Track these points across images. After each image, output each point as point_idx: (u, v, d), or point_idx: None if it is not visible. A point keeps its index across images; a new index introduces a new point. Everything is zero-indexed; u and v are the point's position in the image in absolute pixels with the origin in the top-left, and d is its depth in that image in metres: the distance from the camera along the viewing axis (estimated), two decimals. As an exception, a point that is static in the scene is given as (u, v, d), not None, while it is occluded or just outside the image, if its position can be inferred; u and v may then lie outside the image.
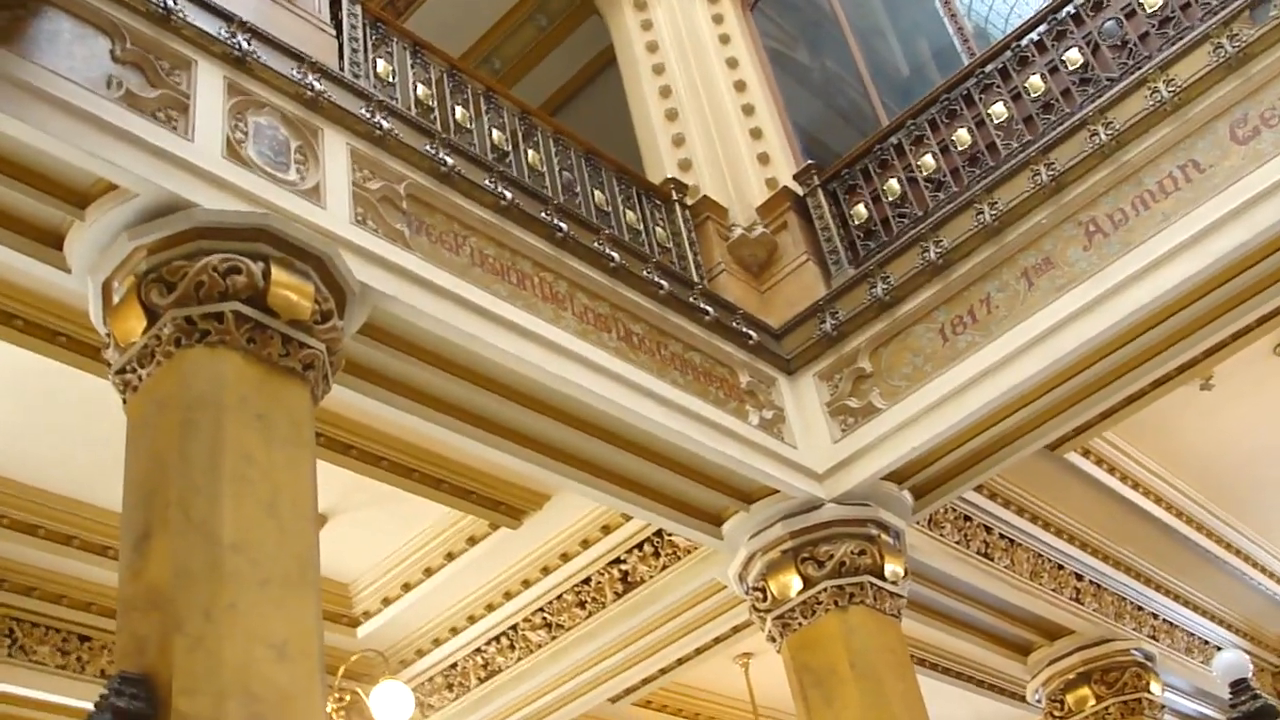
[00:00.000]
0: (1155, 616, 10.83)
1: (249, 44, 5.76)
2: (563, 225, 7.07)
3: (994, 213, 7.67)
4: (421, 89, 6.99)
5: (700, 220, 8.76)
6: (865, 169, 8.75)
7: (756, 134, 9.52)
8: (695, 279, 8.10)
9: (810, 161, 9.06)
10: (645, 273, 7.54)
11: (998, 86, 8.26)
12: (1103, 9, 7.95)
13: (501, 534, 8.36)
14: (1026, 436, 7.99)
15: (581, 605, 8.83)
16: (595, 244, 7.28)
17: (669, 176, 8.92)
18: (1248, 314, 7.59)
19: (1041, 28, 8.21)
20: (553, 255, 6.95)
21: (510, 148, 7.41)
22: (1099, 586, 10.07)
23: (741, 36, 10.20)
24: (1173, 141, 7.15)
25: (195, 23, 5.58)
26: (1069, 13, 8.12)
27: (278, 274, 5.04)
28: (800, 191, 8.94)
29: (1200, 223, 6.88)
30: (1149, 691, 10.39)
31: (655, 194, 8.59)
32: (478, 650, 9.28)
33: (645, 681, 9.78)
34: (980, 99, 8.30)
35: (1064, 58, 7.99)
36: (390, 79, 6.84)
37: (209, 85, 5.50)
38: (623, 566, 8.65)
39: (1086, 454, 9.16)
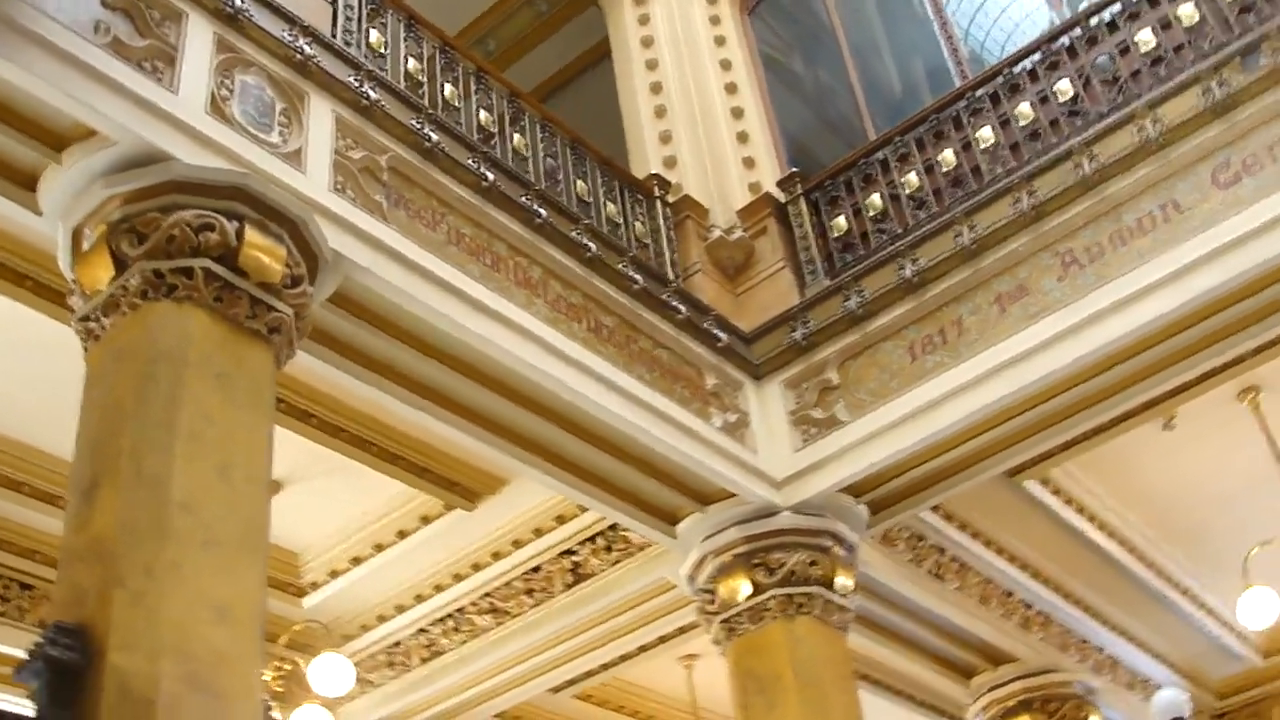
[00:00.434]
0: (1100, 650, 10.87)
1: (242, 1, 5.71)
2: (542, 211, 7.05)
3: (973, 236, 7.68)
4: (413, 63, 6.96)
5: (680, 219, 8.75)
6: (849, 181, 8.75)
7: (743, 138, 9.52)
8: (670, 276, 8.10)
9: (795, 169, 9.07)
10: (621, 266, 7.53)
11: (987, 111, 8.27)
12: (1097, 44, 7.97)
13: (455, 515, 8.33)
14: (986, 461, 8.01)
15: (530, 593, 8.81)
16: (573, 233, 7.26)
17: (653, 172, 8.90)
18: (1213, 358, 7.62)
19: (1035, 56, 8.23)
20: (529, 240, 6.93)
21: (496, 130, 7.38)
22: (1047, 616, 10.10)
23: (737, 39, 10.20)
24: (1155, 180, 7.17)
25: (189, -25, 5.54)
26: (1064, 44, 8.14)
27: (251, 235, 5.00)
28: (782, 198, 8.94)
29: (1175, 263, 6.90)
30: (1088, 723, 10.45)
31: (637, 188, 8.58)
32: (422, 630, 9.23)
33: (588, 675, 9.78)
34: (969, 122, 8.32)
35: (1055, 88, 8.00)
36: (382, 50, 6.80)
37: (198, 39, 5.45)
38: (574, 558, 8.63)
39: (1045, 483, 9.18)
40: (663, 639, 9.42)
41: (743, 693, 7.44)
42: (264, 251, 5.02)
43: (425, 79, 7.00)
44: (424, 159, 6.43)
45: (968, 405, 7.41)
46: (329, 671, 8.17)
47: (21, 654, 4.02)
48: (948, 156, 8.31)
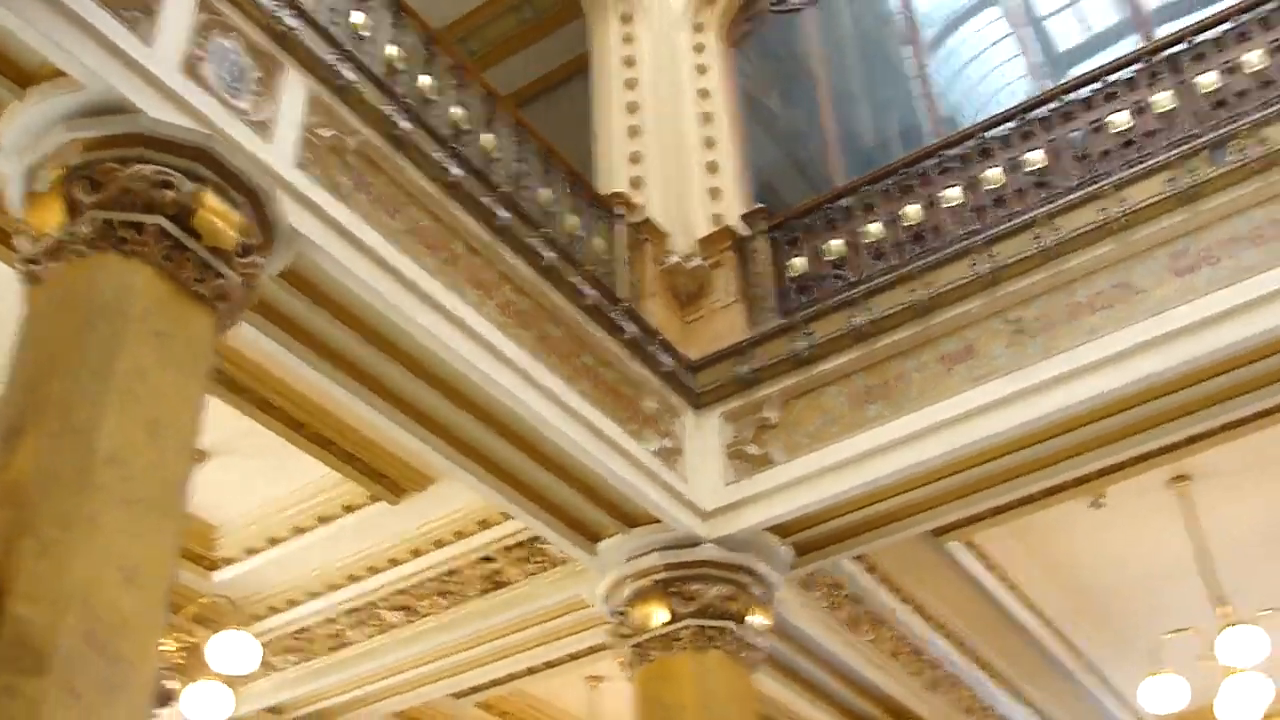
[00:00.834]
0: (1003, 718, 10.92)
1: (229, -37, 5.65)
2: (504, 214, 7.01)
3: (927, 293, 7.71)
4: (393, 50, 6.90)
5: (639, 240, 8.73)
6: (811, 224, 8.76)
7: (713, 168, 9.52)
8: (622, 296, 8.07)
9: (760, 205, 9.08)
10: (575, 279, 7.50)
11: (956, 171, 8.32)
12: (1072, 119, 8.04)
13: (378, 507, 8.26)
14: (915, 517, 8.03)
15: (444, 595, 8.75)
16: (532, 240, 7.22)
17: (618, 191, 8.89)
18: (1147, 443, 7.69)
19: (1010, 124, 8.29)
20: (488, 242, 6.89)
21: (468, 128, 7.33)
22: (954, 678, 10.15)
23: (718, 70, 10.22)
24: (1113, 260, 7.23)
25: (179, -71, 5.46)
26: (1039, 116, 8.21)
27: (209, 198, 4.93)
28: (744, 233, 8.94)
29: (1123, 344, 6.96)
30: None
31: (600, 204, 8.56)
32: (331, 620, 9.14)
33: (492, 684, 9.72)
34: (937, 179, 8.36)
35: (1025, 157, 8.06)
36: (364, 33, 6.74)
37: (180, -5, 5.38)
38: (492, 565, 8.58)
39: (969, 546, 9.24)
40: (571, 656, 9.39)
41: (646, 719, 7.41)
42: (220, 216, 4.95)
43: (404, 68, 6.95)
44: (393, 147, 6.38)
45: (902, 459, 7.43)
46: (232, 649, 8.06)
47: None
48: (912, 211, 8.34)
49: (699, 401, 8.24)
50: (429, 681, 9.36)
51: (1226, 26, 7.79)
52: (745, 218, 9.05)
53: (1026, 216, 7.67)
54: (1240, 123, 7.20)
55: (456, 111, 7.27)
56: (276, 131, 5.60)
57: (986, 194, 8.10)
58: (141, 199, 4.78)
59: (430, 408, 6.66)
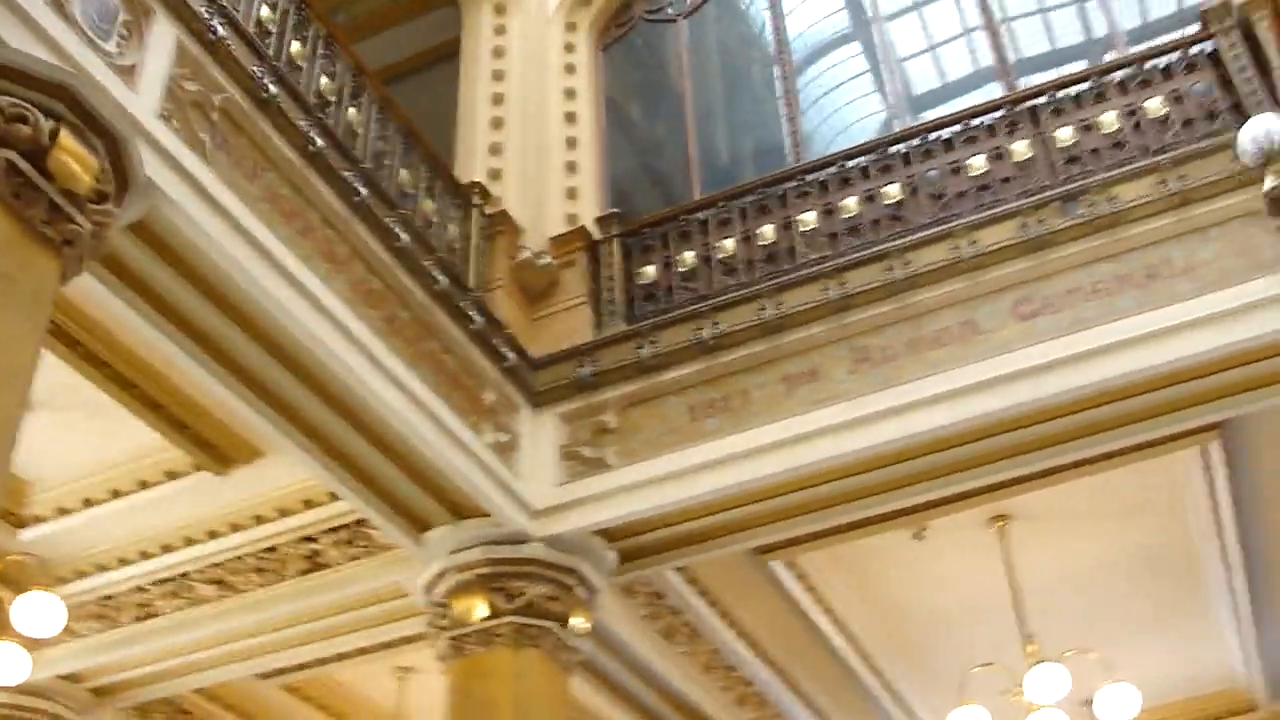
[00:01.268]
0: (806, 740, 11.08)
1: (105, -98, 5.45)
2: (362, 190, 6.89)
3: (776, 313, 7.80)
4: (266, 11, 6.72)
5: (493, 232, 8.67)
6: (665, 234, 8.80)
7: (572, 168, 9.52)
8: (472, 286, 8.00)
9: (615, 210, 9.08)
10: (427, 263, 7.40)
11: (814, 196, 8.43)
12: (931, 158, 8.21)
13: (202, 477, 8.00)
14: (741, 534, 8.10)
15: (260, 572, 8.52)
16: (388, 219, 7.11)
17: (476, 180, 8.82)
18: (971, 480, 7.88)
19: (870, 156, 8.44)
20: (344, 217, 6.76)
21: (334, 100, 7.20)
22: (763, 697, 10.25)
23: (587, 72, 10.22)
24: (960, 298, 7.40)
25: None
26: (900, 151, 8.37)
27: (66, 139, 4.73)
28: (597, 236, 8.94)
29: (962, 380, 7.13)
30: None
31: (458, 192, 8.48)
32: (141, 589, 8.82)
33: (300, 667, 9.53)
34: (795, 202, 8.47)
35: (883, 190, 8.21)
36: (238, -11, 6.57)
37: (51, -71, 5.17)
38: (313, 545, 8.39)
39: (791, 567, 9.33)
40: (384, 645, 9.26)
41: (457, 714, 7.33)
42: (76, 159, 4.76)
43: (275, 31, 6.78)
44: (258, 109, 6.21)
45: (735, 475, 7.50)
46: (36, 610, 7.77)
47: None
48: (767, 231, 8.44)
49: (538, 399, 8.20)
50: (236, 660, 9.12)
51: (1086, 86, 8.04)
52: (600, 221, 9.05)
53: (880, 248, 7.82)
54: (1092, 179, 7.43)
55: (324, 82, 7.13)
56: (141, 79, 5.41)
57: (842, 222, 8.24)
58: (-6, 132, 4.57)
59: (269, 379, 6.50)
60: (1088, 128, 7.86)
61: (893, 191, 8.18)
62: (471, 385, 7.63)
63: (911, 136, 8.42)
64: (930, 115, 9.10)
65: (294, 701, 10.44)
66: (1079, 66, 8.77)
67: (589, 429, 8.01)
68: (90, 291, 5.70)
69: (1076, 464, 8.28)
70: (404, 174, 7.76)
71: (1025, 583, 9.23)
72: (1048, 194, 7.50)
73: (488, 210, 8.67)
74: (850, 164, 8.51)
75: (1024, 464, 7.78)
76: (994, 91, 9.10)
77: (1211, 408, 7.39)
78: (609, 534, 7.85)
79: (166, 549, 8.57)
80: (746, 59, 11.71)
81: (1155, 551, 9.62)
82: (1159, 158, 7.38)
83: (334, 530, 8.29)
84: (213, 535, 8.44)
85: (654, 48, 11.27)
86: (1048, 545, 9.38)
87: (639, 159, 11.46)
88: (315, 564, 8.43)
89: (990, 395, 7.08)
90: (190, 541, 8.52)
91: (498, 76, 9.78)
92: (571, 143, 9.65)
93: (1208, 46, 7.84)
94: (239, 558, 8.51)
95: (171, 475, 8.08)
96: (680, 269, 8.58)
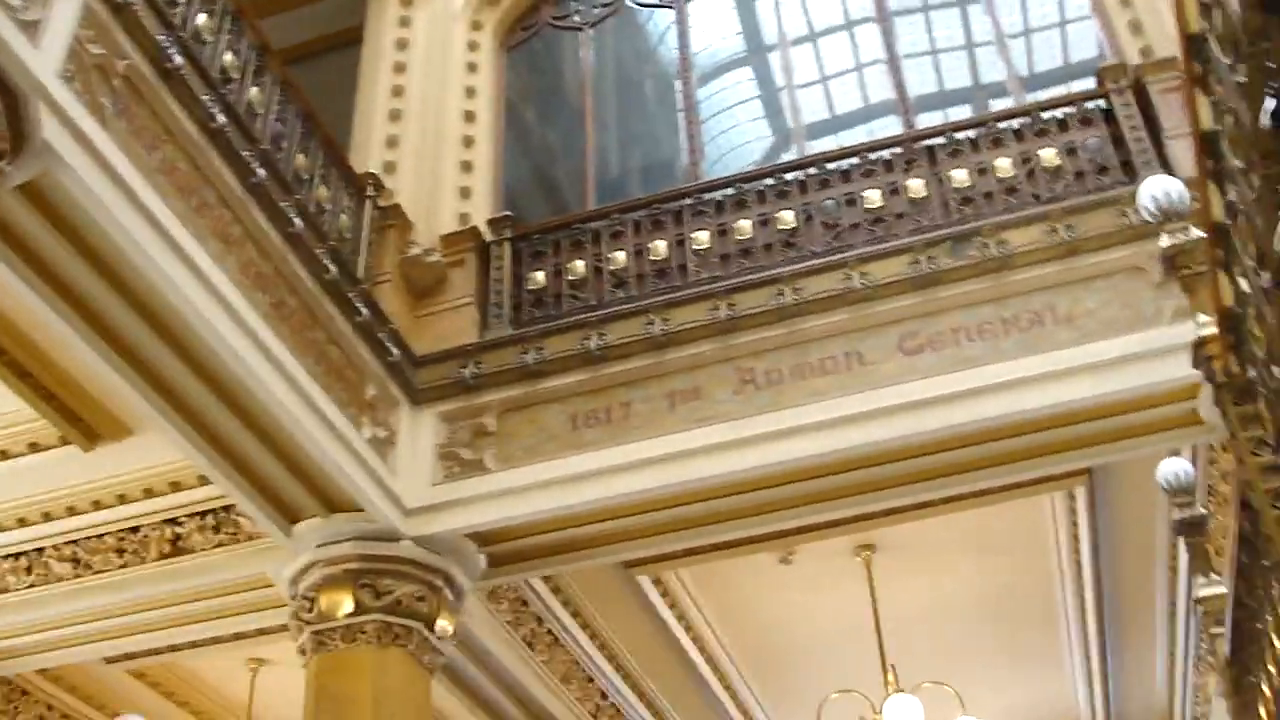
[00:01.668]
0: (658, 756, 11.09)
1: None
2: (260, 172, 6.76)
3: (663, 329, 7.81)
4: (174, -20, 6.57)
5: (385, 225, 8.57)
6: (558, 241, 8.78)
7: (467, 167, 9.44)
8: (360, 278, 7.89)
9: (508, 213, 9.03)
10: (319, 251, 7.28)
11: (709, 216, 8.48)
12: (828, 187, 8.30)
13: (68, 451, 7.77)
14: (612, 546, 8.11)
15: (120, 553, 8.29)
16: (283, 203, 6.99)
17: (371, 171, 8.71)
18: (842, 510, 7.98)
19: (769, 180, 8.51)
20: (240, 197, 6.62)
21: (237, 77, 7.05)
22: (617, 710, 10.25)
23: (489, 72, 10.16)
24: (847, 329, 7.50)
25: None
26: (797, 179, 8.45)
27: (-36, 90, 4.58)
28: (488, 237, 8.88)
29: (844, 410, 7.22)
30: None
31: (352, 181, 8.37)
32: (-10, 563, 8.57)
33: (150, 653, 9.27)
34: (689, 220, 8.50)
35: (777, 214, 8.28)
36: (147, -46, 6.40)
37: (-39, -125, 4.99)
38: (177, 529, 8.20)
39: (657, 582, 9.36)
40: (238, 636, 9.06)
41: (315, 710, 7.18)
42: (-27, 112, 4.60)
43: (183, 2, 6.62)
44: (161, 79, 6.05)
45: (611, 488, 7.50)
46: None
47: None
48: (660, 247, 8.45)
49: (418, 397, 8.11)
50: (85, 641, 8.80)
51: (983, 130, 8.20)
52: (493, 222, 8.98)
53: (772, 272, 7.88)
54: (984, 222, 7.57)
55: (229, 58, 6.98)
56: (44, 36, 5.21)
57: (735, 243, 8.29)
58: (-110, 78, 4.39)
59: (150, 355, 6.30)
60: (983, 171, 8.02)
61: (788, 218, 8.26)
62: (354, 378, 7.52)
63: (810, 165, 8.52)
64: (820, 146, 9.22)
65: (140, 687, 10.17)
66: (965, 109, 8.98)
67: (468, 431, 7.95)
68: (-30, 250, 5.51)
69: (946, 500, 8.43)
70: (300, 159, 7.64)
71: (888, 613, 9.37)
72: (940, 233, 7.64)
73: (381, 203, 8.57)
74: (747, 186, 8.57)
75: (893, 497, 7.92)
76: (885, 127, 9.26)
77: (1081, 454, 7.59)
78: (481, 537, 7.79)
79: (22, 523, 8.30)
80: (640, 73, 11.73)
81: (1014, 591, 9.84)
82: (1050, 206, 7.57)
83: (200, 515, 8.13)
84: (72, 511, 8.20)
85: (553, 54, 11.23)
86: (912, 577, 9.53)
87: (530, 164, 11.40)
88: (178, 548, 8.22)
89: (871, 426, 7.17)
90: (47, 516, 8.28)
91: (399, 69, 9.68)
92: (468, 141, 9.58)
93: (1103, 103, 8.06)
94: (99, 536, 8.28)
95: (35, 447, 7.84)
96: (570, 277, 8.56)
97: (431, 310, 8.63)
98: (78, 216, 5.51)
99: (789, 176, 8.49)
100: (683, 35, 10.19)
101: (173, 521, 8.19)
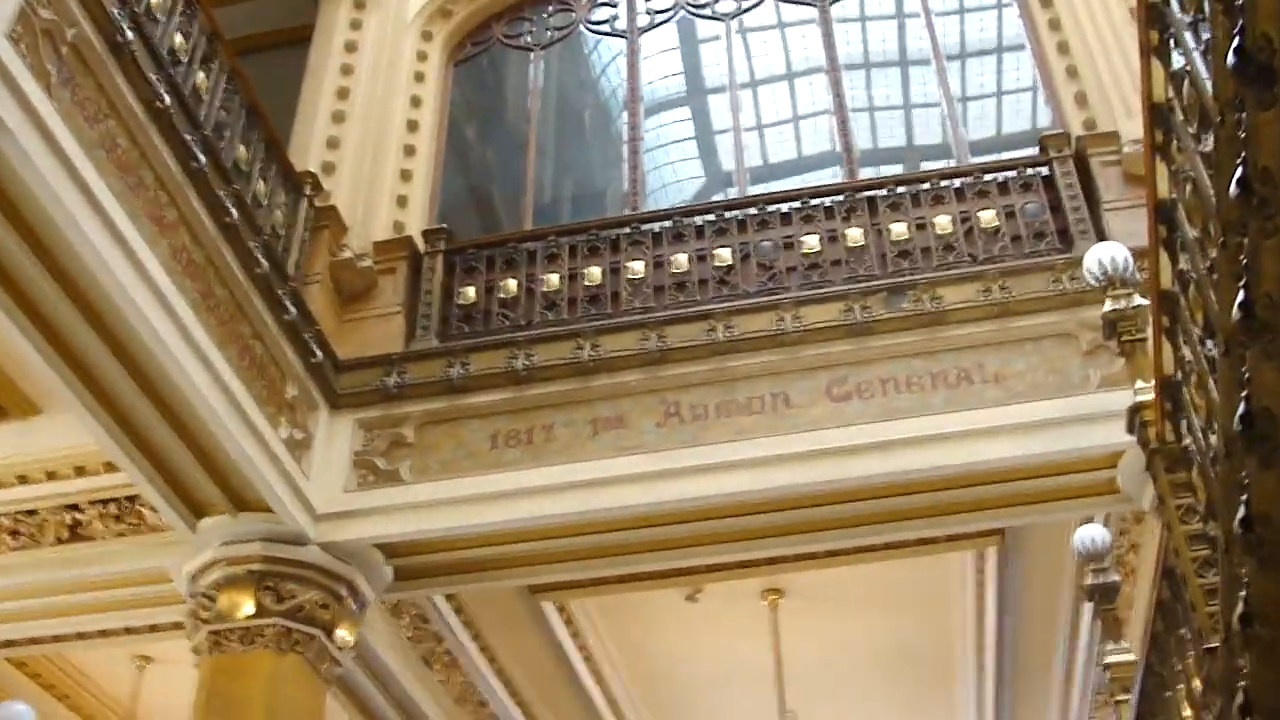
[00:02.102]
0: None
1: None
2: (201, 158, 6.63)
3: (592, 355, 7.77)
4: (132, -47, 6.44)
5: (319, 225, 8.48)
6: (492, 258, 8.72)
7: (406, 176, 9.36)
8: (290, 276, 7.77)
9: (444, 226, 8.96)
10: (253, 244, 7.16)
11: (647, 246, 8.45)
12: (767, 229, 8.31)
13: (-34, 427, 7.56)
14: (520, 569, 8.07)
15: (15, 535, 8.03)
16: (221, 192, 6.86)
17: (310, 170, 8.60)
18: (749, 551, 7.97)
19: (709, 216, 8.51)
20: (178, 181, 6.49)
21: (186, 60, 6.92)
22: (507, 736, 10.13)
23: (435, 83, 10.10)
24: (777, 370, 7.50)
25: None
26: (736, 217, 8.46)
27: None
28: (422, 248, 8.80)
29: (767, 450, 7.23)
30: None
31: (291, 178, 8.26)
32: (-124, 537, 8.26)
33: (33, 641, 8.99)
34: (626, 249, 8.47)
35: (715, 251, 8.27)
36: (104, -73, 6.27)
37: None
38: (78, 515, 7.98)
39: (561, 610, 9.27)
40: (129, 630, 8.83)
41: (204, 712, 7.00)
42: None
43: (138, -24, 6.50)
44: (110, 52, 5.92)
45: (526, 510, 7.45)
46: None
47: None
48: (594, 273, 8.42)
49: (338, 402, 7.99)
50: (-34, 626, 8.58)
51: (924, 186, 8.25)
52: (428, 234, 8.91)
53: (705, 308, 7.88)
54: (920, 276, 7.62)
55: (179, 40, 6.86)
56: (-5, -5, 5.11)
57: (670, 276, 8.27)
58: None
59: (70, 333, 6.14)
60: (921, 226, 8.07)
61: (724, 255, 8.26)
62: (275, 376, 7.39)
63: (750, 205, 8.53)
64: (758, 190, 9.22)
65: (19, 677, 9.87)
66: (899, 168, 9.08)
67: (386, 440, 7.84)
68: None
69: (858, 550, 8.44)
70: (241, 150, 7.53)
71: (790, 659, 9.35)
72: (876, 283, 7.67)
73: (317, 203, 8.48)
74: (686, 221, 8.56)
75: (806, 542, 7.93)
76: (824, 178, 9.32)
77: (997, 514, 7.67)
78: (389, 549, 7.67)
79: (-87, 498, 8.04)
80: (582, 100, 11.71)
81: (916, 646, 9.88)
82: (986, 267, 7.64)
83: (103, 503, 7.91)
84: (-34, 489, 7.96)
85: (497, 73, 11.19)
86: (817, 625, 9.53)
87: (465, 180, 11.33)
88: (76, 535, 8.00)
89: (793, 469, 7.18)
90: (-61, 494, 8.02)
91: (346, 71, 9.60)
92: (409, 150, 9.49)
93: (1044, 170, 8.16)
94: (-7, 516, 8.05)
95: (-68, 421, 7.60)
96: (502, 295, 8.50)
97: (358, 316, 8.53)
98: (10, 181, 5.37)
99: (729, 214, 8.51)
100: (633, 66, 10.16)
101: (73, 507, 7.97)
